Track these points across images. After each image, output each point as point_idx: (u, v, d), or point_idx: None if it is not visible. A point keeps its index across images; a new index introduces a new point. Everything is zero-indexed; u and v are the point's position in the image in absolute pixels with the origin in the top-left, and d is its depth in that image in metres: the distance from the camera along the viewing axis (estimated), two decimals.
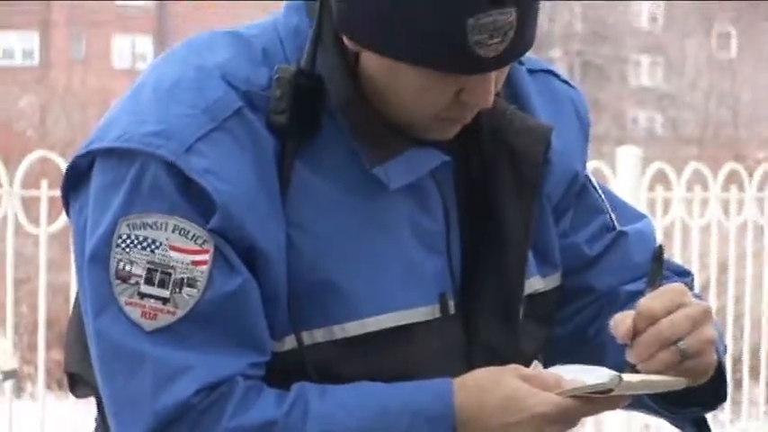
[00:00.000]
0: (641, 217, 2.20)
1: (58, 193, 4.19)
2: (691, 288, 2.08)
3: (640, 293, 2.02)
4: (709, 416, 2.13)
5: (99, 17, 46.23)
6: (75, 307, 2.01)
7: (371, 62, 1.90)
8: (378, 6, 1.85)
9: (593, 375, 1.89)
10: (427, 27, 1.84)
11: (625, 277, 2.12)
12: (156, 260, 1.86)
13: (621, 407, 1.96)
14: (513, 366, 1.92)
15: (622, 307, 2.05)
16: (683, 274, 2.14)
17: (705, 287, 5.20)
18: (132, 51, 46.70)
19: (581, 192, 2.14)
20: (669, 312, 1.90)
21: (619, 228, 2.14)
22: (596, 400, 1.89)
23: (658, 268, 1.96)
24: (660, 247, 2.02)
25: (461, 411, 1.88)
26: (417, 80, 1.88)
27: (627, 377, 1.88)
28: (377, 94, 1.92)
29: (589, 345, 2.09)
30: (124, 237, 1.87)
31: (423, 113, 1.92)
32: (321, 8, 1.93)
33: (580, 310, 2.12)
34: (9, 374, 1.47)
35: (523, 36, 1.87)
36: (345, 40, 1.91)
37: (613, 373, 1.87)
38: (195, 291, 1.86)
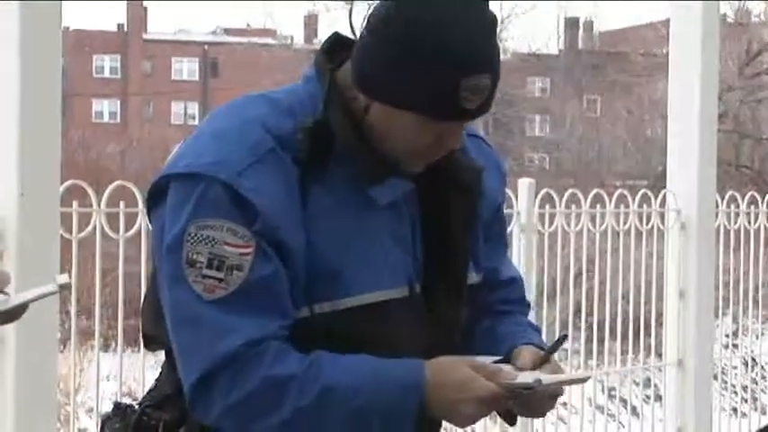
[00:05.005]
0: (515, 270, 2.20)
1: (133, 210, 4.24)
2: (527, 312, 2.15)
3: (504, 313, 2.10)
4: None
5: (161, 89, 46.17)
6: (149, 287, 1.99)
7: (377, 111, 1.88)
8: (392, 70, 1.84)
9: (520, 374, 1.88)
10: (429, 86, 1.82)
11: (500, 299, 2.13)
12: (215, 252, 1.84)
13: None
14: (468, 358, 1.90)
15: (495, 316, 2.09)
16: (527, 305, 2.18)
17: (579, 274, 5.20)
18: (184, 113, 46.63)
19: (497, 219, 2.14)
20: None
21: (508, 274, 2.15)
22: (520, 394, 1.87)
23: (557, 346, 1.94)
24: (564, 335, 1.99)
25: (428, 384, 1.84)
26: (414, 124, 1.86)
27: (544, 379, 1.86)
28: (376, 136, 1.90)
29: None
30: (192, 234, 1.84)
31: (409, 150, 1.90)
32: (331, 79, 1.92)
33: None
34: (64, 287, 1.45)
35: (492, 95, 1.86)
36: (360, 95, 1.88)
37: (537, 376, 1.86)
38: (242, 273, 1.84)
